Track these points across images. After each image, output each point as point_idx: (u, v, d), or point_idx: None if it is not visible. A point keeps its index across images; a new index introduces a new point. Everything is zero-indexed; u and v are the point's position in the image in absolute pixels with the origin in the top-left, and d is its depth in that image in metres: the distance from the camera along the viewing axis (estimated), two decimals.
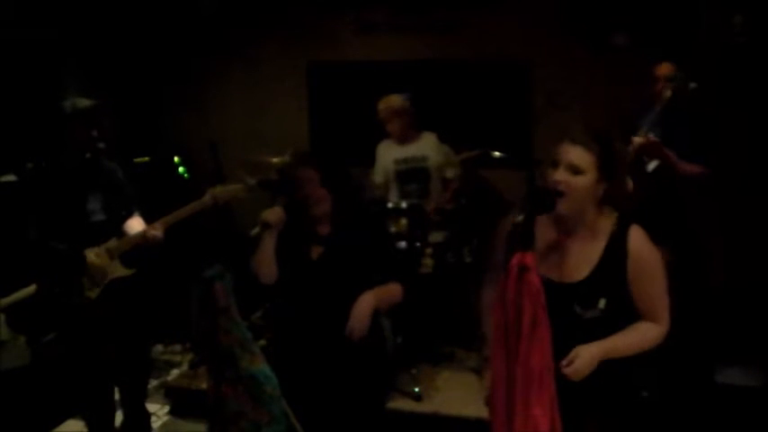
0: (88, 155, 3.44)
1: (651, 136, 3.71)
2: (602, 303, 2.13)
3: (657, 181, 3.78)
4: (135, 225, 3.48)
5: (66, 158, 3.41)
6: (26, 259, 3.53)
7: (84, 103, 3.38)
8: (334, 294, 2.83)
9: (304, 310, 2.89)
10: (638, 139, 3.70)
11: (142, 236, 3.35)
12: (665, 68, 3.93)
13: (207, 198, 3.45)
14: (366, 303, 2.79)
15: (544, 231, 2.22)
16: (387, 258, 3.00)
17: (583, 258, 2.17)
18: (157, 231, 3.34)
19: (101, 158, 3.47)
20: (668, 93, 3.76)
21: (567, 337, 2.06)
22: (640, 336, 2.18)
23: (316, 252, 2.93)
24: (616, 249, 2.13)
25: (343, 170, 3.06)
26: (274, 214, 2.85)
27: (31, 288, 3.65)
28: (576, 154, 2.10)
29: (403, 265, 3.34)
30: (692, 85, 3.79)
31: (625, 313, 2.17)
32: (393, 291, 2.92)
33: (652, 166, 3.83)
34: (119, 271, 3.38)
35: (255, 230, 2.84)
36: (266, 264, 2.89)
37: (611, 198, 2.15)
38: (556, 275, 2.18)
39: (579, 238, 2.18)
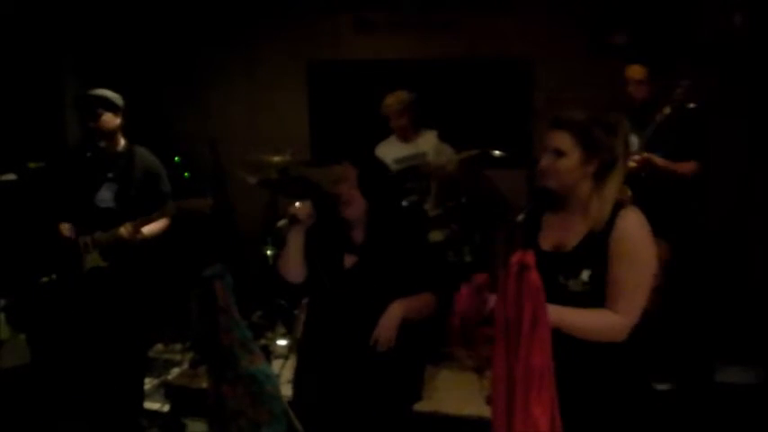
0: (89, 154, 3.49)
1: (645, 154, 3.74)
2: (585, 275, 2.10)
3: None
4: (154, 225, 3.60)
5: (70, 154, 3.52)
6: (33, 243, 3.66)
7: (97, 93, 3.53)
8: (366, 305, 2.69)
9: (333, 318, 2.77)
10: (632, 163, 3.72)
11: (114, 234, 3.49)
12: (634, 71, 3.93)
13: (171, 207, 3.58)
14: (394, 313, 2.65)
15: (547, 216, 2.26)
16: (422, 268, 2.82)
17: (574, 231, 2.18)
18: (125, 232, 3.47)
19: (133, 149, 3.65)
20: (667, 110, 3.74)
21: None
22: (594, 318, 2.10)
23: (349, 261, 2.78)
24: (605, 225, 2.11)
25: (383, 174, 2.87)
26: (303, 210, 2.71)
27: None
28: (557, 137, 2.13)
29: (440, 274, 3.06)
30: (692, 105, 3.77)
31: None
32: (425, 301, 2.77)
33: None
34: (96, 260, 3.53)
35: (283, 223, 2.76)
36: (294, 262, 2.77)
37: (607, 176, 2.12)
38: (548, 245, 2.20)
39: (575, 214, 2.19)
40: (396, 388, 2.78)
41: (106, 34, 5.39)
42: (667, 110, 3.72)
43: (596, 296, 2.11)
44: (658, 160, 3.76)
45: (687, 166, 3.80)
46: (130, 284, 3.61)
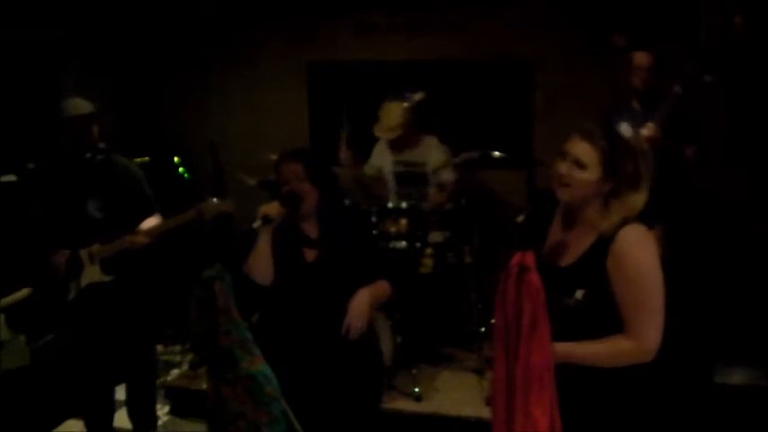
0: (88, 155, 3.47)
1: (651, 125, 3.76)
2: (579, 294, 2.09)
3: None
4: (154, 224, 3.48)
5: (66, 159, 3.44)
6: (24, 257, 3.56)
7: (80, 109, 3.40)
8: (331, 296, 2.81)
9: (300, 312, 2.87)
10: (647, 132, 3.71)
11: (124, 243, 3.36)
12: (640, 58, 3.93)
13: (192, 212, 3.43)
14: (363, 299, 2.78)
15: (555, 223, 2.25)
16: (375, 257, 2.99)
17: (574, 247, 2.16)
18: (140, 239, 3.36)
19: (113, 158, 3.50)
20: (677, 89, 3.73)
21: (552, 322, 2.03)
22: (606, 348, 2.09)
23: (310, 255, 2.90)
24: (603, 243, 2.09)
25: (328, 166, 3.01)
26: (274, 208, 2.78)
27: (23, 292, 3.67)
28: (582, 149, 2.09)
29: (389, 263, 3.33)
30: (708, 78, 3.75)
31: (606, 314, 2.09)
32: (384, 288, 2.91)
33: None
34: (96, 276, 3.39)
35: (257, 224, 2.78)
36: (263, 262, 2.81)
37: (617, 196, 2.10)
38: (547, 258, 2.19)
39: (578, 230, 2.17)
40: (363, 379, 2.94)
41: (106, 35, 5.39)
42: (678, 88, 3.73)
43: (590, 314, 2.10)
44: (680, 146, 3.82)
45: (688, 150, 3.85)
46: (134, 295, 3.51)
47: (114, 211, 3.42)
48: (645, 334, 2.07)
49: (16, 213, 3.73)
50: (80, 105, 3.42)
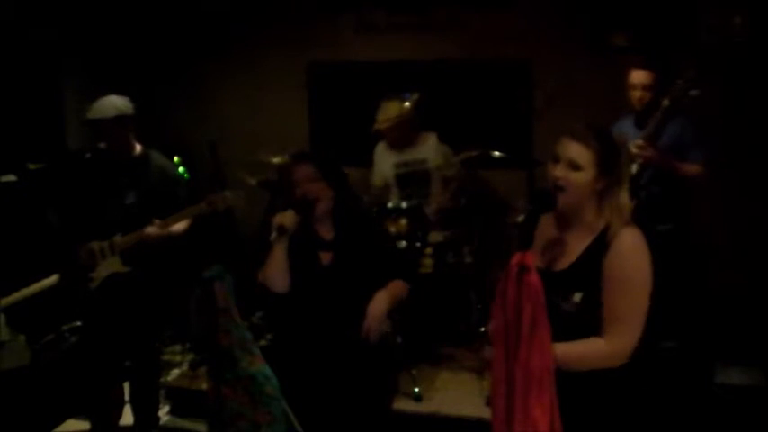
0: (88, 155, 3.49)
1: (639, 143, 3.75)
2: (577, 297, 2.09)
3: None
4: (178, 224, 3.54)
5: (72, 157, 3.50)
6: (46, 250, 3.62)
7: (105, 112, 3.45)
8: (349, 298, 2.80)
9: (318, 315, 2.85)
10: (634, 149, 3.73)
11: (141, 234, 3.40)
12: (639, 76, 3.93)
13: (203, 204, 3.47)
14: (382, 303, 2.79)
15: (543, 224, 2.24)
16: (389, 257, 2.98)
17: (570, 250, 2.16)
18: (154, 231, 3.40)
19: (149, 156, 3.57)
20: (666, 102, 3.76)
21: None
22: (582, 349, 2.08)
23: (325, 258, 2.88)
24: (600, 244, 2.09)
25: (339, 164, 2.99)
26: (289, 218, 2.76)
27: (50, 279, 3.71)
28: (576, 150, 2.10)
29: (404, 262, 3.35)
30: (694, 92, 3.77)
31: (602, 317, 2.08)
32: (401, 288, 2.91)
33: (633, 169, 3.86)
34: (116, 266, 3.44)
35: (273, 236, 2.77)
36: (280, 272, 2.80)
37: (609, 196, 2.11)
38: (543, 264, 2.18)
39: (574, 232, 2.17)
40: (376, 381, 2.94)
41: (105, 35, 5.39)
42: (666, 102, 3.74)
43: (588, 317, 2.09)
44: (676, 163, 3.80)
45: (693, 169, 3.83)
46: (149, 288, 3.55)
47: (144, 208, 3.46)
48: (624, 340, 2.07)
49: (43, 207, 3.77)
50: (105, 108, 3.47)
